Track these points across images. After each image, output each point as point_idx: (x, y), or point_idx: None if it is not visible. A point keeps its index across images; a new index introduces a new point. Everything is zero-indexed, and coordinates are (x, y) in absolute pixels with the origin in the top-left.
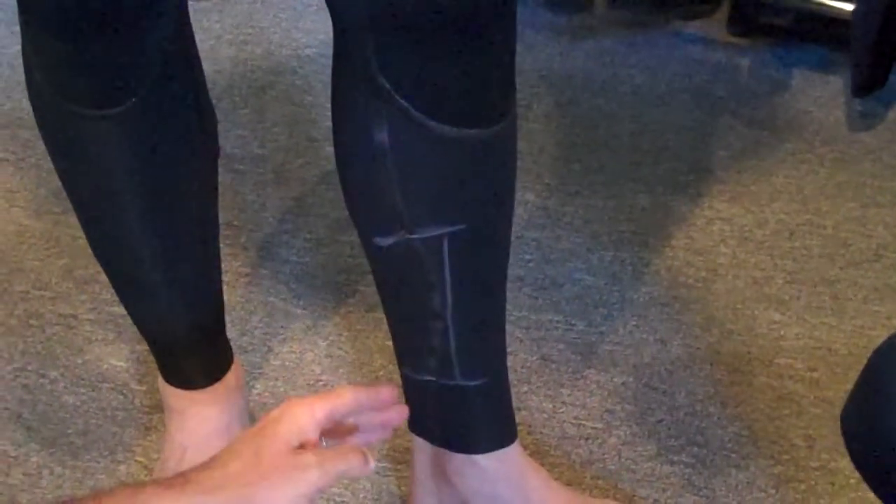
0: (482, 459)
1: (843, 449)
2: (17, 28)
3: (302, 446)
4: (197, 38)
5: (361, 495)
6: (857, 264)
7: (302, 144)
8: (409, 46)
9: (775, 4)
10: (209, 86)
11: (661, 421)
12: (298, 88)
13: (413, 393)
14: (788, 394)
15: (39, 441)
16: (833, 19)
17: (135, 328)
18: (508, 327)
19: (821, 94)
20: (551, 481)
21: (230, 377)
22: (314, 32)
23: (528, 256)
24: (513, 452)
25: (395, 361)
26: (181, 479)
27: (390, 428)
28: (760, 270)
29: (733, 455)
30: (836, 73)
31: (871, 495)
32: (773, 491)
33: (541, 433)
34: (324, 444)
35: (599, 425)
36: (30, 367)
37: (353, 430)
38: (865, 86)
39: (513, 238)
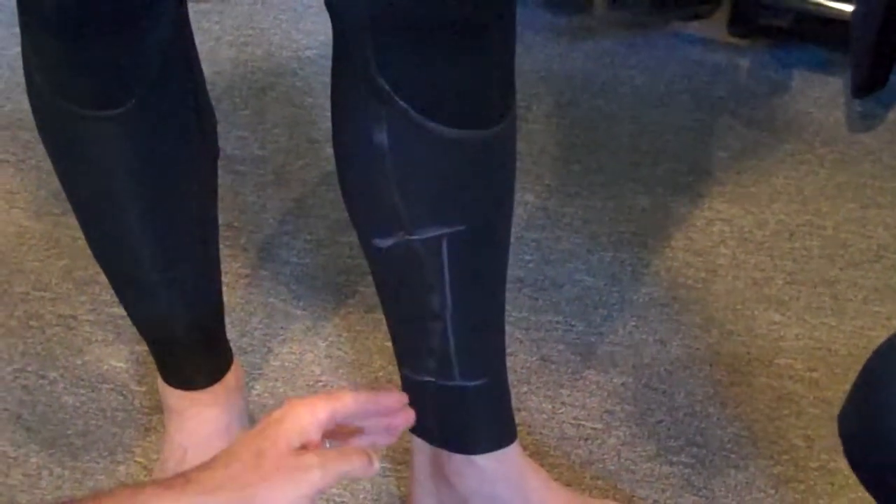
0: (481, 460)
1: (842, 449)
2: (17, 29)
3: (304, 447)
4: (197, 39)
5: (361, 496)
6: (856, 265)
7: (302, 146)
8: (409, 47)
9: (775, 5)
10: (209, 87)
11: (660, 421)
12: (298, 90)
13: (412, 393)
14: (788, 394)
15: (39, 442)
16: (833, 20)
17: (134, 329)
18: (508, 328)
19: (820, 94)
20: (551, 482)
21: (230, 378)
22: (314, 34)
23: (527, 257)
24: (512, 453)
25: (394, 362)
26: (181, 479)
27: (396, 433)
28: (760, 271)
29: (733, 455)
30: (836, 74)
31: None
32: (772, 491)
33: (540, 434)
34: (327, 445)
35: (599, 426)
36: (29, 368)
37: (356, 432)
38: (865, 87)
39: (512, 239)
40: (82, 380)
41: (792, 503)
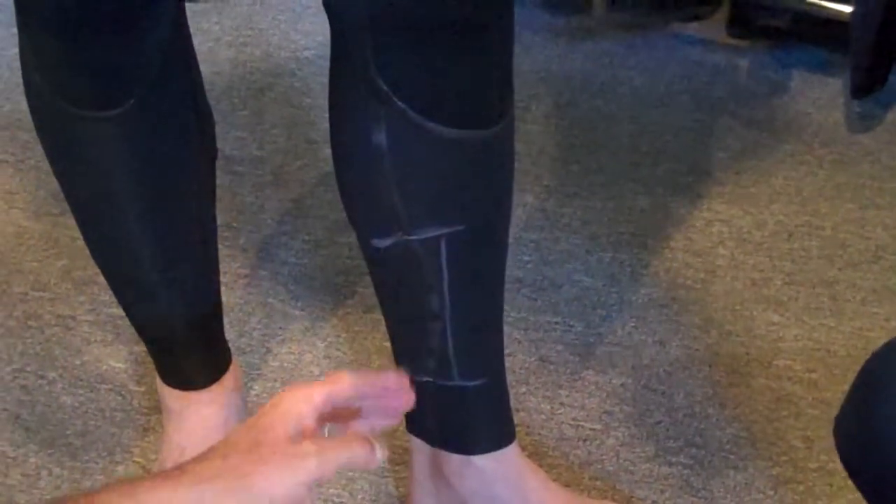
0: (480, 460)
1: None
2: (16, 29)
3: (301, 434)
4: (196, 39)
5: (360, 496)
6: (855, 266)
7: (301, 146)
8: (408, 47)
9: (774, 6)
10: (208, 87)
11: (659, 422)
12: (297, 90)
13: None
14: (787, 395)
15: (38, 442)
16: (832, 21)
17: (133, 329)
18: (507, 328)
19: (820, 95)
20: (549, 482)
21: (228, 378)
22: (313, 34)
23: (526, 258)
24: (511, 453)
25: (393, 362)
26: (178, 471)
27: (396, 415)
28: (759, 272)
29: (731, 456)
30: (835, 75)
31: None
32: (771, 492)
33: (539, 434)
34: (326, 430)
35: (598, 426)
36: (28, 368)
37: (357, 414)
38: (864, 87)
39: (511, 239)
40: (81, 380)
41: None
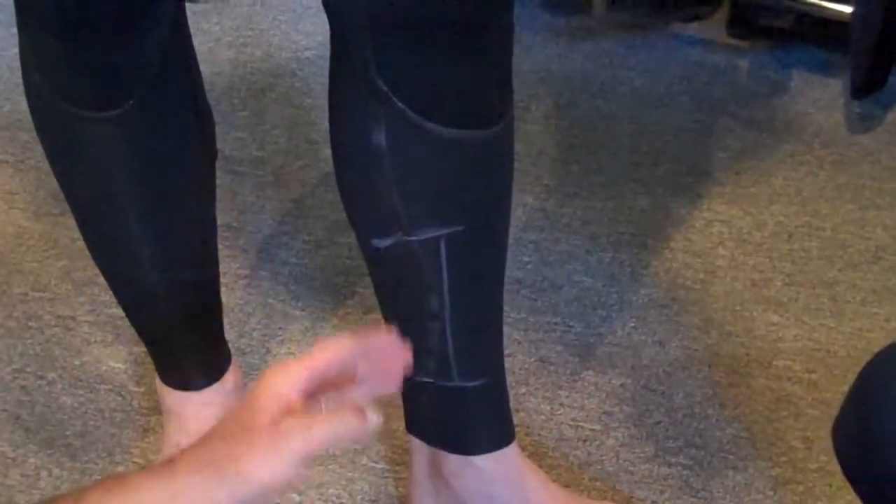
0: (480, 460)
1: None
2: (16, 30)
3: (287, 413)
4: (196, 40)
5: (359, 496)
6: (855, 266)
7: (301, 146)
8: (408, 48)
9: (774, 6)
10: (208, 88)
11: (659, 422)
12: (298, 91)
13: (411, 394)
14: (787, 395)
15: (38, 442)
16: (832, 21)
17: (133, 330)
18: (507, 329)
19: (820, 95)
20: (549, 482)
21: (228, 378)
22: (313, 34)
23: (526, 258)
24: (511, 453)
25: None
26: (168, 463)
27: (394, 378)
28: (759, 272)
29: (731, 457)
30: (835, 75)
31: None
32: (771, 492)
33: (539, 434)
34: (323, 403)
35: (597, 427)
36: (28, 369)
37: (354, 379)
38: (864, 88)
39: (511, 240)
40: (81, 380)
41: None
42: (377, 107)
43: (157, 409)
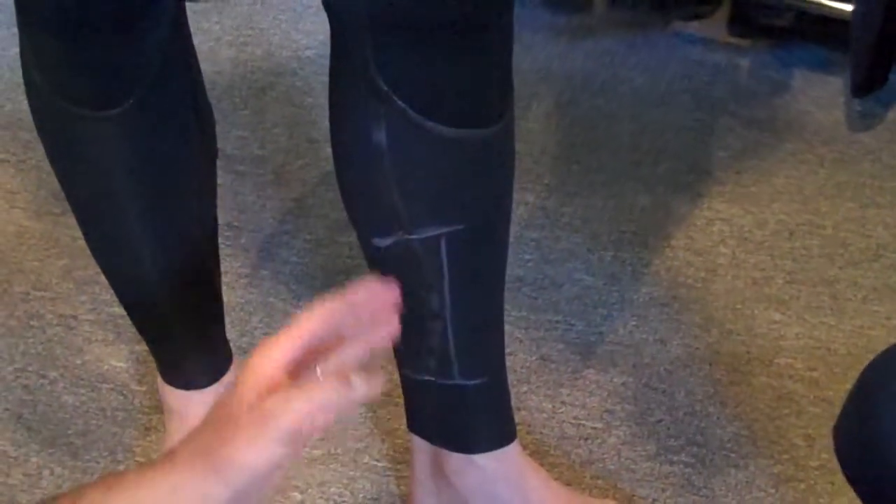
0: (481, 459)
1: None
2: (17, 29)
3: (272, 391)
4: (196, 39)
5: (361, 495)
6: (856, 264)
7: (302, 145)
8: (408, 47)
9: (775, 5)
10: (209, 87)
11: (660, 421)
12: (298, 90)
13: (412, 393)
14: (788, 393)
15: (39, 441)
16: (833, 20)
17: (134, 329)
18: (508, 327)
19: (820, 94)
20: (551, 481)
21: (230, 378)
22: (314, 33)
23: (527, 256)
24: (512, 452)
25: (394, 362)
26: (165, 458)
27: (389, 324)
28: (760, 270)
29: (733, 455)
30: (836, 74)
31: None
32: (772, 490)
33: (540, 433)
34: (319, 372)
35: (599, 425)
36: (30, 368)
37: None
38: (865, 86)
39: (512, 238)
40: (82, 379)
41: (792, 502)
42: (377, 106)
43: (158, 407)
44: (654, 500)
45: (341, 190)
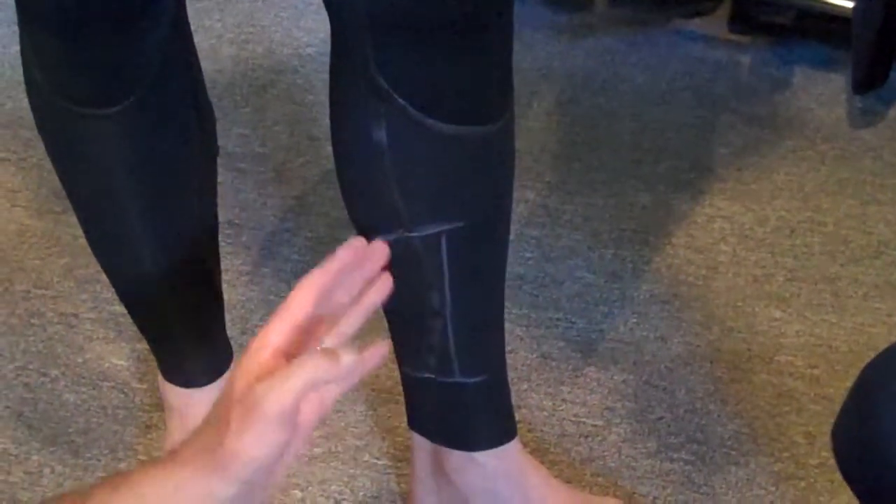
0: (482, 457)
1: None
2: (18, 27)
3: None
4: (197, 37)
5: (361, 493)
6: (857, 261)
7: (303, 143)
8: (408, 45)
9: (776, 2)
10: (210, 85)
11: (661, 418)
12: (299, 87)
13: (413, 391)
14: (788, 391)
15: (40, 439)
16: (834, 17)
17: (135, 327)
18: (508, 325)
19: (822, 91)
20: (551, 479)
21: (230, 375)
22: (315, 31)
23: (528, 254)
24: (512, 450)
25: (394, 360)
26: (169, 457)
27: (381, 279)
28: (761, 268)
29: (733, 452)
30: (837, 71)
31: None
32: (773, 488)
33: (541, 431)
34: (324, 345)
35: (599, 423)
36: (31, 366)
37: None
38: (866, 83)
39: (513, 236)
40: (83, 377)
41: (792, 500)
42: (377, 104)
43: (159, 405)
44: (654, 497)
45: (342, 188)
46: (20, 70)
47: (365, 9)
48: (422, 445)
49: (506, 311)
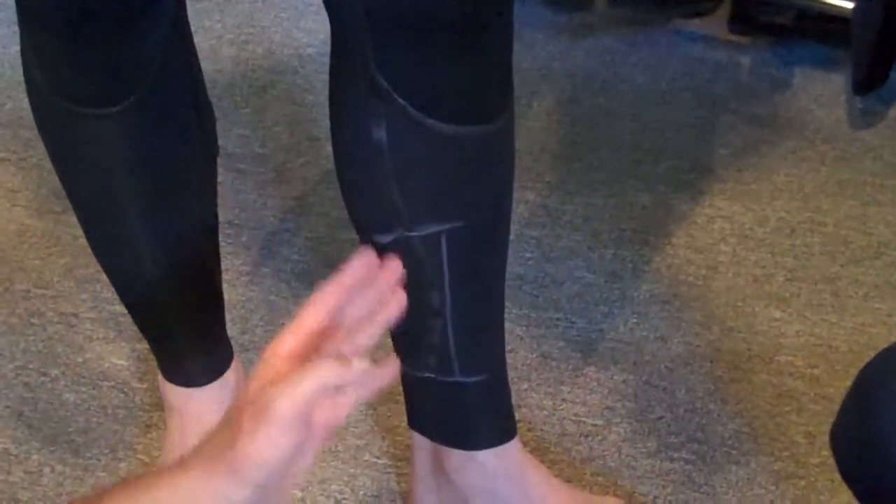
0: (482, 456)
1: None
2: (18, 27)
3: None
4: (198, 37)
5: (361, 492)
6: (857, 262)
7: (303, 143)
8: (408, 45)
9: (776, 2)
10: (210, 85)
11: (661, 418)
12: (299, 87)
13: (413, 390)
14: (789, 391)
15: (40, 439)
16: (834, 17)
17: (135, 327)
18: (508, 325)
19: (822, 92)
20: (551, 478)
21: (230, 375)
22: (315, 32)
23: (528, 254)
24: (512, 449)
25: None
26: (182, 462)
27: (394, 289)
28: (761, 268)
29: (733, 452)
30: (837, 71)
31: None
32: (773, 487)
33: (541, 430)
34: (343, 353)
35: (599, 422)
36: (31, 366)
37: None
38: (866, 83)
39: (513, 236)
40: (83, 377)
41: (793, 499)
42: (377, 104)
43: (159, 405)
44: (654, 497)
45: (342, 188)
46: (20, 70)
47: (365, 9)
48: (422, 445)
49: (506, 311)
